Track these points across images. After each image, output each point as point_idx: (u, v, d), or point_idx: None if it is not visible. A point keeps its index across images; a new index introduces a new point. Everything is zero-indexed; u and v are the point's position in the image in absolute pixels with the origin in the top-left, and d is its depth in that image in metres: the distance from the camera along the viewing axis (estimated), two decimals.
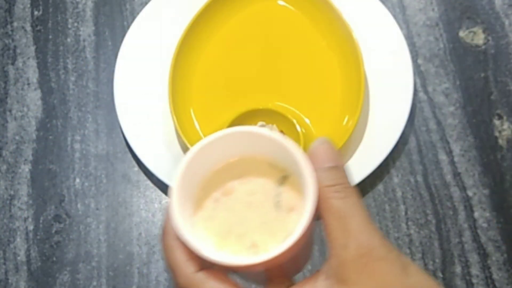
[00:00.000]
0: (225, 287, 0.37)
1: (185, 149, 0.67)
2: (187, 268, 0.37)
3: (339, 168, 0.38)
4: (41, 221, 0.67)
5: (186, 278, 0.37)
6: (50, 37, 0.75)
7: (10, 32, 0.76)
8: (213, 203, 0.39)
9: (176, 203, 0.37)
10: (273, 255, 0.35)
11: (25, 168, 0.69)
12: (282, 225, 0.38)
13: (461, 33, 0.73)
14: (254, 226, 0.38)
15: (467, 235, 0.65)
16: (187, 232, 0.36)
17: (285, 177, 0.39)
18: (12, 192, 0.69)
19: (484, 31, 0.73)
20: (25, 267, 0.65)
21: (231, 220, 0.38)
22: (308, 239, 0.38)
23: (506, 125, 0.69)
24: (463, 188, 0.67)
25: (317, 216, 0.36)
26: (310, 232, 0.37)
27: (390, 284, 0.35)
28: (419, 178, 0.67)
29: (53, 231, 0.67)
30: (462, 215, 0.66)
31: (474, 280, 0.63)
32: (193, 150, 0.38)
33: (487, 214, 0.65)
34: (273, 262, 0.36)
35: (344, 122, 0.66)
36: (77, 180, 0.69)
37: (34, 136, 0.71)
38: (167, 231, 0.38)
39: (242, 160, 0.40)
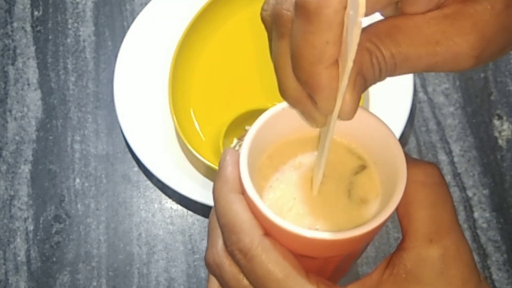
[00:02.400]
0: (292, 259, 0.32)
1: (185, 149, 0.67)
2: (255, 229, 0.32)
3: (432, 164, 0.33)
4: (41, 222, 0.67)
5: (254, 239, 0.32)
6: (50, 37, 0.75)
7: (10, 33, 0.76)
8: (278, 174, 0.35)
9: (245, 158, 0.33)
10: (349, 235, 0.31)
11: (25, 169, 0.69)
12: (350, 217, 0.34)
13: None
14: (318, 210, 0.34)
15: (467, 236, 0.65)
16: (255, 191, 0.32)
17: (363, 166, 0.35)
18: (12, 193, 0.69)
19: None
20: (25, 267, 0.65)
21: (294, 196, 0.34)
22: (372, 238, 0.34)
23: (506, 126, 0.69)
24: (463, 189, 0.67)
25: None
26: (377, 232, 0.33)
27: None
28: None
29: (53, 232, 0.67)
30: (462, 215, 0.66)
31: None
32: (273, 109, 0.34)
33: (487, 215, 0.65)
34: (333, 247, 0.32)
35: None
36: (77, 180, 0.69)
37: (34, 136, 0.71)
38: (224, 181, 0.33)
39: (317, 136, 0.36)
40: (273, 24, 0.29)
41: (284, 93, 0.31)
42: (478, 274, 0.32)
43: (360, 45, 0.26)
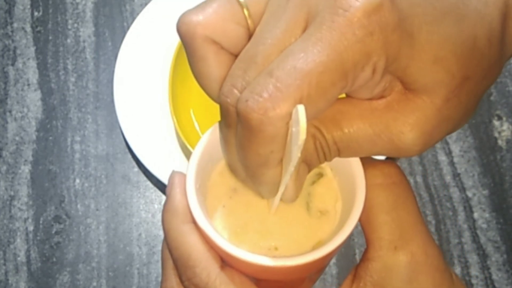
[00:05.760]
0: None
1: (185, 150, 0.67)
2: (211, 262, 0.31)
3: (390, 162, 0.32)
4: (41, 222, 0.67)
5: (211, 273, 0.30)
6: (50, 38, 0.75)
7: (10, 33, 0.76)
8: (230, 192, 0.33)
9: (192, 183, 0.31)
10: (311, 258, 0.29)
11: (25, 169, 0.69)
12: (311, 232, 0.32)
13: None
14: (277, 229, 0.32)
15: (466, 236, 0.65)
16: (206, 220, 0.30)
17: (320, 174, 0.33)
18: (12, 193, 0.69)
19: None
20: (25, 268, 0.65)
21: (250, 215, 0.33)
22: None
23: (505, 126, 0.69)
24: (463, 189, 0.67)
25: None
26: (340, 247, 0.31)
27: None
28: (419, 179, 0.67)
29: (53, 232, 0.67)
30: (461, 215, 0.66)
31: (474, 281, 0.63)
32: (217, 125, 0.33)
33: (487, 215, 0.65)
34: (297, 271, 0.30)
35: None
36: (77, 180, 0.69)
37: (34, 137, 0.71)
38: (174, 212, 0.32)
39: None
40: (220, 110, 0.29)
41: (233, 171, 0.31)
42: (450, 275, 0.31)
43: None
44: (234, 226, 0.32)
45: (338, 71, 0.25)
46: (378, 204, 0.31)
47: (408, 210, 0.31)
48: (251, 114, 0.26)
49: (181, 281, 0.32)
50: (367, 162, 0.31)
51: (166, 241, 0.33)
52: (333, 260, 0.65)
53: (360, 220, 0.31)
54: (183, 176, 0.32)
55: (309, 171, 0.30)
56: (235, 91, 0.27)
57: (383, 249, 0.30)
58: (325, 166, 0.33)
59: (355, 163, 0.31)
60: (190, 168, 0.32)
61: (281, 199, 0.30)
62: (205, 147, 0.32)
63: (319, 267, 0.32)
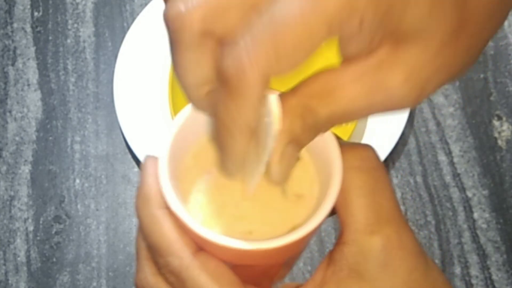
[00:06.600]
0: (228, 275, 0.30)
1: None
2: (184, 248, 0.30)
3: (367, 146, 0.32)
4: (41, 222, 0.67)
5: (184, 259, 0.30)
6: (50, 38, 0.75)
7: (10, 33, 0.76)
8: (205, 175, 0.32)
9: (166, 166, 0.30)
10: (287, 241, 0.28)
11: (25, 169, 0.69)
12: (286, 216, 0.31)
13: None
14: (252, 211, 0.32)
15: (466, 236, 0.65)
16: (179, 204, 0.30)
17: (297, 157, 0.32)
18: (12, 193, 0.69)
19: None
20: (25, 268, 0.65)
21: (225, 199, 0.32)
22: (310, 239, 0.32)
23: (505, 126, 0.69)
24: (463, 189, 0.67)
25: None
26: (319, 229, 0.30)
27: (416, 282, 0.29)
28: (419, 179, 0.67)
29: (53, 232, 0.67)
30: (461, 216, 0.66)
31: (474, 281, 0.63)
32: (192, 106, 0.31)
33: (487, 215, 0.65)
34: (272, 255, 0.30)
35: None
36: (77, 181, 0.69)
37: (34, 137, 0.71)
38: (146, 198, 0.31)
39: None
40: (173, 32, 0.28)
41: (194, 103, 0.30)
42: (425, 260, 0.31)
43: (291, 111, 0.26)
44: (209, 210, 0.32)
45: (321, 23, 0.24)
46: (356, 187, 0.30)
47: (385, 196, 0.31)
48: (229, 73, 0.25)
49: (158, 268, 0.31)
50: (344, 145, 0.31)
51: (140, 227, 0.32)
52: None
53: (335, 202, 0.30)
54: (156, 160, 0.31)
55: (300, 149, 0.28)
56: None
57: (359, 233, 0.29)
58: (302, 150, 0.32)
59: (332, 146, 0.31)
60: (162, 152, 0.31)
61: (268, 181, 0.30)
62: (178, 131, 0.31)
63: (294, 251, 0.32)
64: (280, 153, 0.28)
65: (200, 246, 0.31)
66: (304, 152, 0.32)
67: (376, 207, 0.30)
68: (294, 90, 0.28)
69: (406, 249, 0.30)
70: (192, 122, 0.31)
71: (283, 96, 0.28)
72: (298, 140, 0.28)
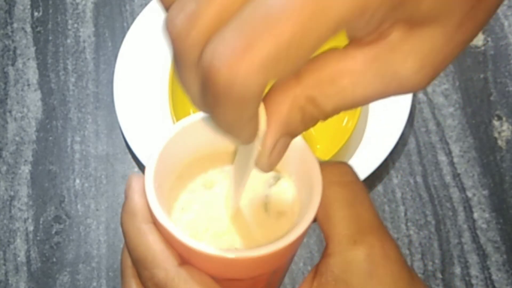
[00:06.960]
0: (213, 286, 0.30)
1: None
2: (168, 260, 0.30)
3: (344, 163, 0.32)
4: (41, 222, 0.67)
5: (169, 272, 0.30)
6: (50, 38, 0.75)
7: (10, 33, 0.76)
8: (189, 194, 0.33)
9: (151, 182, 0.31)
10: (270, 250, 0.29)
11: (25, 169, 0.69)
12: (269, 232, 0.32)
13: None
14: (235, 229, 0.32)
15: (466, 236, 0.65)
16: (166, 217, 0.30)
17: (277, 177, 0.34)
18: (12, 193, 0.69)
19: (483, 32, 0.73)
20: (25, 268, 0.65)
21: (208, 216, 0.33)
22: (295, 252, 0.33)
23: (505, 126, 0.69)
24: (463, 189, 0.67)
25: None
26: (301, 241, 0.32)
27: None
28: (419, 179, 0.67)
29: (53, 232, 0.67)
30: (461, 216, 0.66)
31: (474, 281, 0.63)
32: (177, 126, 0.32)
33: (487, 215, 0.65)
34: (257, 265, 0.30)
35: (344, 123, 0.66)
36: (77, 181, 0.69)
37: (34, 137, 0.71)
38: (132, 213, 0.31)
39: (231, 151, 0.34)
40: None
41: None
42: (409, 271, 0.31)
43: (293, 102, 0.25)
44: (194, 228, 0.32)
45: (323, 24, 0.22)
46: (336, 201, 0.31)
47: (365, 207, 0.31)
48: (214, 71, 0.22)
49: (142, 283, 0.31)
50: (323, 163, 0.31)
51: (125, 242, 0.32)
52: None
53: (317, 217, 0.31)
54: (141, 177, 0.32)
55: (292, 139, 0.27)
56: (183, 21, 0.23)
57: (342, 244, 0.30)
58: (282, 168, 0.33)
59: (311, 163, 0.31)
60: (148, 168, 0.31)
61: (255, 170, 0.29)
62: (163, 149, 0.32)
63: (278, 263, 0.32)
64: (270, 145, 0.26)
65: (185, 259, 0.31)
66: (284, 172, 0.33)
67: (357, 218, 0.30)
68: (298, 77, 0.26)
69: (390, 259, 0.30)
70: (178, 141, 0.32)
71: (286, 83, 0.26)
72: (292, 132, 0.27)
